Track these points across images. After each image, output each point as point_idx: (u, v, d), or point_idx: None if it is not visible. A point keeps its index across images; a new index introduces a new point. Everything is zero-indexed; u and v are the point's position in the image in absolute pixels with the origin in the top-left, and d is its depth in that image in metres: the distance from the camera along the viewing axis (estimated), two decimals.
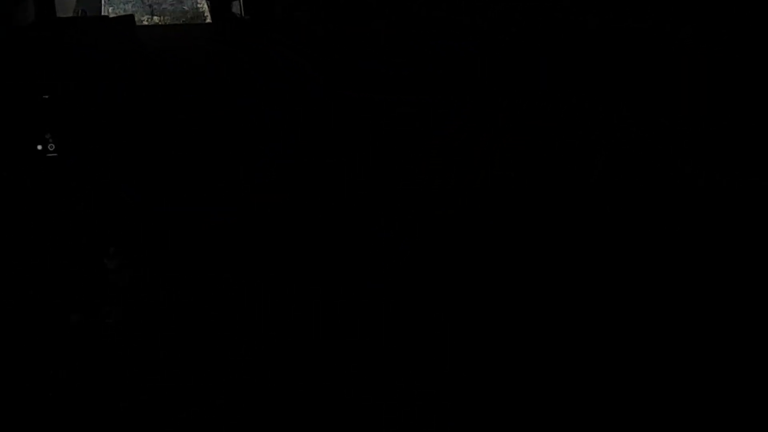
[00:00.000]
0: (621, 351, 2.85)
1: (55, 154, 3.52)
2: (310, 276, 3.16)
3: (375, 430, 2.56)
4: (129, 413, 2.49)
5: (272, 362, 2.79)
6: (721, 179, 3.82)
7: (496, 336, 2.96)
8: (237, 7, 7.20)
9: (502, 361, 2.84)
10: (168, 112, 4.28)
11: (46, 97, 3.58)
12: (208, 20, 7.06)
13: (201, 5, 7.07)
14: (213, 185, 3.68)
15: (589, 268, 3.29)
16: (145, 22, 7.04)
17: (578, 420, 2.61)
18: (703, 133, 4.30)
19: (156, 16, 7.05)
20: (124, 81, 4.30)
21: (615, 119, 4.54)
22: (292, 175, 3.94)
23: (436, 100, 5.03)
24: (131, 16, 6.29)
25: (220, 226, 3.36)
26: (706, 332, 2.96)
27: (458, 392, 2.73)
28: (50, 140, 3.48)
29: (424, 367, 2.81)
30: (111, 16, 6.89)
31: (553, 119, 4.64)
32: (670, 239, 3.45)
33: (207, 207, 3.52)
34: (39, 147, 3.52)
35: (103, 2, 7.01)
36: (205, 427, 2.51)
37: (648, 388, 2.69)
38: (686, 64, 4.79)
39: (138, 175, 3.52)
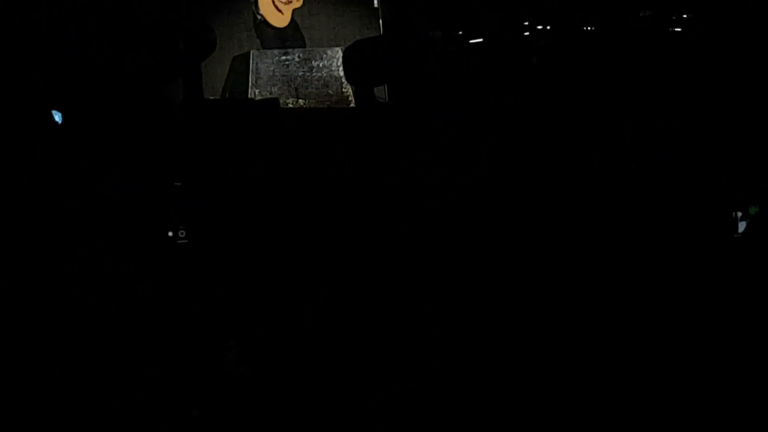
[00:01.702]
0: (613, 350, 2.88)
1: (186, 241, 3.45)
2: (295, 271, 3.18)
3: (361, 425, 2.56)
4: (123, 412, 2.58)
5: (259, 357, 2.81)
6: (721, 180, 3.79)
7: (484, 332, 2.97)
8: (382, 92, 7.15)
9: (490, 357, 2.85)
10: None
11: (178, 184, 3.52)
12: (353, 104, 7.00)
13: (346, 89, 7.04)
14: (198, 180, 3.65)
15: (581, 267, 3.27)
16: (290, 105, 7.05)
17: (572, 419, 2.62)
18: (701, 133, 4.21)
19: (301, 99, 7.06)
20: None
21: (611, 118, 4.46)
22: (278, 170, 3.91)
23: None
24: (276, 100, 6.31)
25: (205, 221, 3.39)
26: (703, 332, 2.97)
27: (445, 388, 2.74)
28: (182, 228, 3.41)
29: (411, 363, 2.80)
30: (257, 98, 6.94)
31: (547, 116, 4.52)
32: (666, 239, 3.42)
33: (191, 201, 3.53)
34: (170, 234, 3.45)
35: (250, 84, 7.08)
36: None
37: (646, 389, 2.73)
38: (686, 63, 4.93)
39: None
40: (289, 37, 7.50)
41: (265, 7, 7.31)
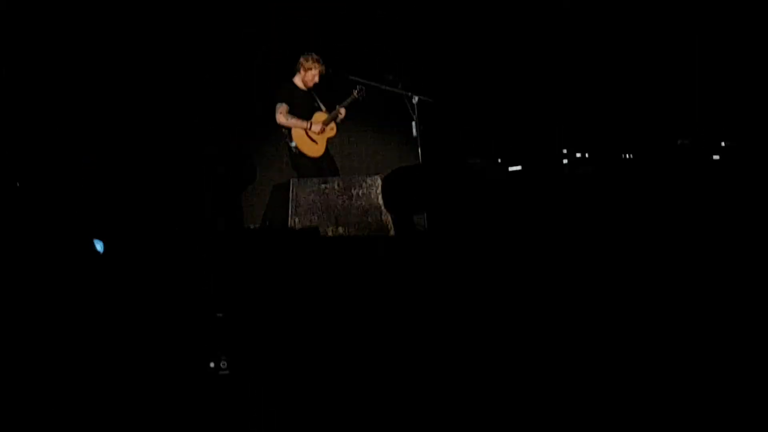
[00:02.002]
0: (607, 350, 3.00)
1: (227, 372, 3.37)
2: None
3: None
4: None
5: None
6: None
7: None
8: (422, 220, 7.14)
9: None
10: None
11: (220, 315, 3.47)
12: (392, 232, 6.98)
13: (386, 217, 7.03)
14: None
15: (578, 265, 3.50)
16: (330, 233, 7.04)
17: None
18: None
19: (341, 227, 7.05)
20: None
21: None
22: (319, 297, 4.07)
23: None
24: (315, 229, 6.31)
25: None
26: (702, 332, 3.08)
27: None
28: (223, 359, 3.34)
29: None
30: (297, 227, 6.94)
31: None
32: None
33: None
34: (212, 364, 3.38)
35: (290, 213, 7.10)
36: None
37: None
38: None
39: None
40: (325, 166, 7.58)
41: (298, 138, 7.41)
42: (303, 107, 7.51)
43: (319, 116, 7.50)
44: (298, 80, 7.59)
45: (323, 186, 7.18)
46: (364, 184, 7.22)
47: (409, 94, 7.41)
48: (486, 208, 6.42)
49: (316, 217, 7.07)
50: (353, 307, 4.14)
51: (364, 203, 7.17)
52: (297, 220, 7.01)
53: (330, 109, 7.55)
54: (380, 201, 7.13)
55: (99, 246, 4.77)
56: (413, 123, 7.40)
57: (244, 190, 7.38)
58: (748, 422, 2.81)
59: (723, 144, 7.93)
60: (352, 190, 7.22)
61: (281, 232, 6.41)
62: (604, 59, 8.96)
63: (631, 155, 8.32)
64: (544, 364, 3.25)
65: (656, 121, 8.52)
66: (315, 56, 7.62)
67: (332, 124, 7.52)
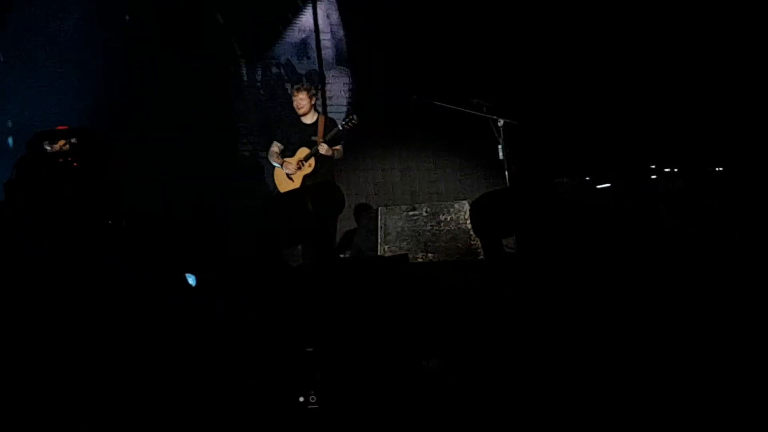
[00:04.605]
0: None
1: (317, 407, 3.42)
2: None
3: None
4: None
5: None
6: None
7: None
8: (511, 243, 7.12)
9: None
10: None
11: (310, 349, 3.53)
12: (482, 257, 6.98)
13: (474, 242, 7.04)
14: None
15: None
16: (420, 260, 7.08)
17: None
18: None
19: (430, 253, 7.09)
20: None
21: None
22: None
23: None
24: (405, 256, 6.35)
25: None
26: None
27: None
28: (312, 394, 3.39)
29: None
30: (387, 254, 7.01)
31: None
32: None
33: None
34: (301, 399, 3.44)
35: (379, 241, 7.18)
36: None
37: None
38: None
39: None
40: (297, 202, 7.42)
41: (277, 174, 7.36)
42: (297, 141, 7.45)
43: (301, 152, 7.35)
44: None
45: (411, 213, 7.24)
46: (452, 210, 7.25)
47: (495, 117, 7.39)
48: (575, 227, 6.36)
49: (405, 244, 7.13)
50: (448, 334, 4.15)
51: (452, 228, 7.19)
52: (386, 247, 7.07)
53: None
54: (468, 225, 7.14)
55: (192, 280, 4.90)
56: (499, 146, 7.38)
57: (334, 218, 7.47)
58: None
59: None
60: (440, 216, 7.26)
61: (372, 261, 6.47)
62: (691, 69, 8.81)
63: (722, 167, 8.11)
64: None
65: (745, 130, 8.30)
66: (304, 84, 7.67)
67: (311, 161, 7.28)
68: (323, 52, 9.23)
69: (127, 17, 8.30)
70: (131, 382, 3.39)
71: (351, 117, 7.29)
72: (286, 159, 7.35)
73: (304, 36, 9.22)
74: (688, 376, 3.23)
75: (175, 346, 3.78)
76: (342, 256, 7.81)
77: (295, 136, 7.43)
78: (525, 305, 4.59)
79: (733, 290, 4.16)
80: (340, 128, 7.25)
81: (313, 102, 7.43)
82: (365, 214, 8.06)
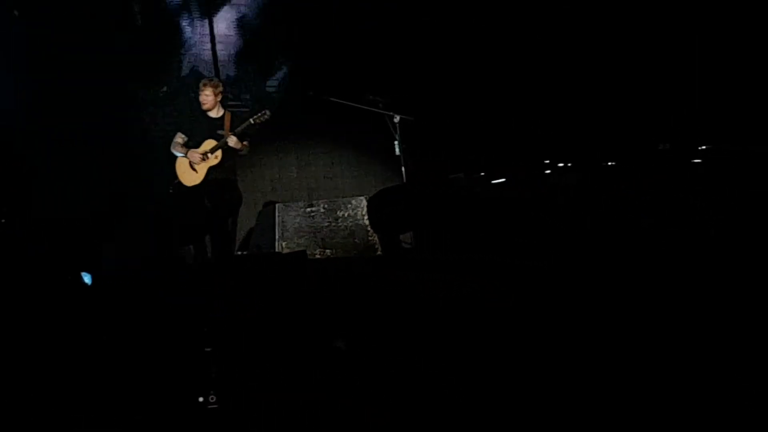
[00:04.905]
0: None
1: (216, 407, 3.36)
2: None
3: None
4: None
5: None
6: None
7: None
8: (408, 238, 7.17)
9: None
10: None
11: (209, 349, 3.47)
12: (379, 252, 7.01)
13: (372, 238, 7.06)
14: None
15: None
16: (318, 256, 7.07)
17: None
18: None
19: (328, 249, 7.08)
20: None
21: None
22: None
23: None
24: (303, 252, 6.32)
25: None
26: None
27: None
28: (212, 394, 3.34)
29: None
30: (284, 251, 6.96)
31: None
32: None
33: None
34: (201, 399, 3.38)
35: (276, 237, 7.13)
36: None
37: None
38: None
39: None
40: (203, 194, 7.25)
41: (179, 166, 7.24)
42: (203, 133, 7.35)
43: (207, 144, 7.24)
44: None
45: (309, 209, 7.21)
46: (349, 206, 7.26)
47: (391, 113, 7.42)
48: (471, 222, 6.45)
49: (303, 240, 7.10)
50: (346, 329, 4.15)
51: (350, 224, 7.20)
52: (284, 244, 7.03)
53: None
54: (366, 221, 7.16)
55: (88, 279, 4.76)
56: (396, 142, 7.41)
57: (231, 216, 7.36)
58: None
59: (703, 147, 7.99)
60: (338, 212, 7.25)
61: (270, 257, 6.41)
62: (581, 68, 9.04)
63: (614, 162, 8.37)
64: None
65: (636, 127, 8.59)
66: (211, 79, 7.53)
67: (217, 153, 7.17)
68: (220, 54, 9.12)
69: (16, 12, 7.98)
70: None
71: (263, 112, 7.18)
72: (191, 149, 7.21)
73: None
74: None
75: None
76: (239, 253, 7.71)
77: (201, 128, 7.30)
78: (421, 298, 4.62)
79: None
80: (252, 122, 7.16)
81: (218, 98, 7.33)
82: (263, 210, 7.99)
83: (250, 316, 4.01)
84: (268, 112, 7.13)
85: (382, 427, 2.79)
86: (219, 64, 8.98)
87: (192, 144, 7.25)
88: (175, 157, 7.33)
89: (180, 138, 7.34)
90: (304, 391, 2.99)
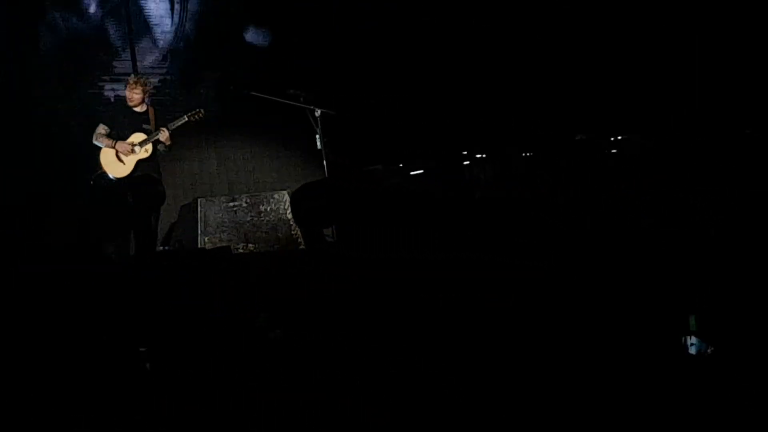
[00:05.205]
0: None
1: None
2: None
3: None
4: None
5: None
6: None
7: None
8: (330, 232, 7.26)
9: None
10: None
11: (143, 349, 3.52)
12: (302, 246, 7.10)
13: (295, 232, 7.15)
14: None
15: None
16: (241, 250, 7.12)
17: None
18: None
19: (251, 243, 7.14)
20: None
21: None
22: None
23: None
24: (227, 248, 6.38)
25: None
26: None
27: None
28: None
29: None
30: (207, 246, 6.99)
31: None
32: None
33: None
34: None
35: (199, 232, 7.15)
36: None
37: None
38: None
39: None
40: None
41: (105, 157, 7.28)
42: (128, 127, 7.37)
43: (137, 137, 7.29)
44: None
45: (231, 204, 7.26)
46: (272, 200, 7.33)
47: (312, 107, 7.49)
48: (390, 213, 6.56)
49: (225, 235, 7.14)
50: (272, 323, 4.22)
51: (273, 219, 7.27)
52: (206, 239, 7.06)
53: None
54: (289, 215, 7.24)
55: None
56: (317, 136, 7.49)
57: (153, 212, 7.34)
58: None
59: (619, 137, 8.25)
60: (261, 207, 7.32)
61: (192, 253, 6.45)
62: (498, 59, 9.24)
63: (531, 153, 8.59)
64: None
65: (553, 118, 8.81)
66: (140, 78, 7.56)
67: (147, 146, 7.25)
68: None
69: None
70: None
71: (198, 110, 7.31)
72: (119, 141, 7.22)
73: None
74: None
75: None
76: (162, 249, 7.70)
77: (124, 121, 7.33)
78: (345, 290, 4.70)
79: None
80: (187, 119, 7.22)
81: (145, 96, 7.36)
82: (184, 206, 7.98)
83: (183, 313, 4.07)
84: (202, 111, 7.25)
85: (382, 427, 2.82)
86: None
87: (115, 136, 7.26)
88: (98, 149, 7.31)
89: (103, 129, 7.33)
90: (304, 391, 3.00)
